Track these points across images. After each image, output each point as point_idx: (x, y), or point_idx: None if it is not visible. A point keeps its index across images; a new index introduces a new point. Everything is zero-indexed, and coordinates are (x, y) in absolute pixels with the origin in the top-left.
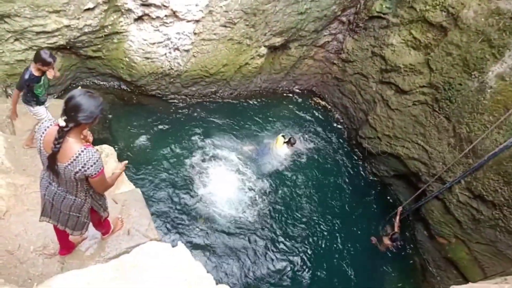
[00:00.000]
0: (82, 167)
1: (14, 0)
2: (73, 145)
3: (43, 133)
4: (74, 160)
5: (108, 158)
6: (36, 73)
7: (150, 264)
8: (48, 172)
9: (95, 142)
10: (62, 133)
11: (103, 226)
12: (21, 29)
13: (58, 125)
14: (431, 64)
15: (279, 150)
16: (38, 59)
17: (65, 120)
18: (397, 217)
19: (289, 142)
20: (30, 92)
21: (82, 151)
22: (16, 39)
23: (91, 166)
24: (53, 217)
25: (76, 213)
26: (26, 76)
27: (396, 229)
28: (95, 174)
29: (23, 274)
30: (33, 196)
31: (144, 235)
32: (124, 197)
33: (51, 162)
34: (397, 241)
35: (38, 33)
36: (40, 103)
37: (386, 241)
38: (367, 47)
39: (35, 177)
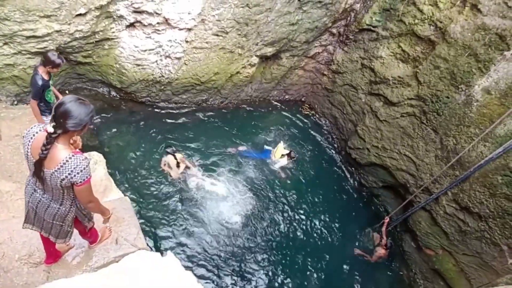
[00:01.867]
0: (69, 174)
1: (4, 4)
2: (61, 152)
3: (31, 138)
4: (61, 166)
5: (97, 165)
6: (46, 77)
7: (139, 274)
8: (34, 178)
9: (84, 149)
10: (50, 139)
11: (89, 235)
12: (11, 33)
13: (47, 131)
14: (419, 77)
15: (278, 160)
16: (48, 62)
17: (53, 127)
18: (384, 227)
19: (289, 155)
20: (43, 100)
21: (70, 158)
22: (5, 43)
23: (78, 173)
24: (37, 224)
25: (60, 222)
26: (40, 82)
27: (384, 238)
28: (80, 182)
29: (7, 283)
30: (19, 203)
31: (132, 244)
32: (112, 205)
33: (38, 168)
34: (392, 247)
35: (28, 37)
36: (52, 111)
37: (380, 250)
38: (356, 59)
39: (21, 184)
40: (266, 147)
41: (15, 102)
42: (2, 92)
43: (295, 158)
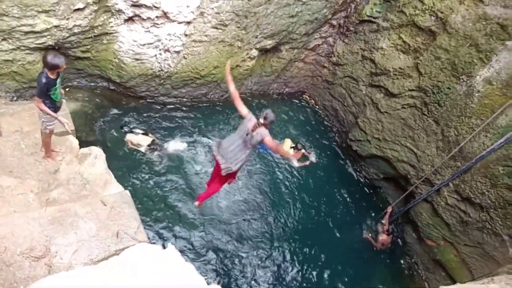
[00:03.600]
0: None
1: None
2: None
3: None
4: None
5: (96, 160)
6: (52, 76)
7: (140, 266)
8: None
9: (83, 144)
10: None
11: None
12: (9, 28)
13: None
14: (420, 68)
15: None
16: (51, 66)
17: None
18: (387, 216)
19: (296, 148)
20: (48, 98)
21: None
22: (4, 39)
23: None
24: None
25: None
26: (44, 80)
27: (386, 225)
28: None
29: (10, 277)
30: (20, 198)
31: (132, 237)
32: (112, 199)
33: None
34: (393, 233)
35: (26, 33)
36: (57, 109)
37: (383, 237)
38: (357, 50)
39: (22, 179)
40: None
41: (15, 98)
42: (1, 88)
43: (300, 150)
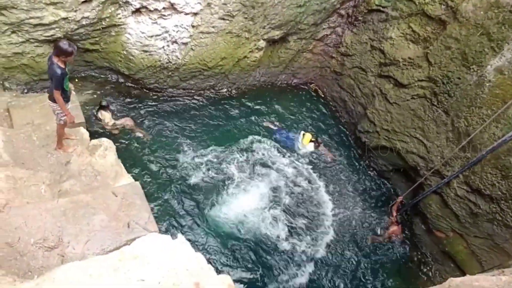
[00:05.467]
0: None
1: None
2: None
3: None
4: None
5: (107, 152)
6: (62, 66)
7: (151, 256)
8: None
9: (94, 136)
10: None
11: None
12: (18, 21)
13: None
14: (429, 57)
15: (304, 146)
16: (60, 52)
17: None
18: (395, 205)
19: (316, 141)
20: (62, 89)
21: None
22: (13, 32)
23: None
24: None
25: None
26: (59, 71)
27: (394, 214)
28: None
29: (24, 267)
30: (32, 189)
31: (144, 228)
32: (123, 190)
33: None
34: (402, 222)
35: (35, 25)
36: (69, 99)
37: (393, 228)
38: (366, 40)
39: (34, 170)
40: (292, 134)
41: (25, 91)
42: (12, 81)
43: (321, 144)
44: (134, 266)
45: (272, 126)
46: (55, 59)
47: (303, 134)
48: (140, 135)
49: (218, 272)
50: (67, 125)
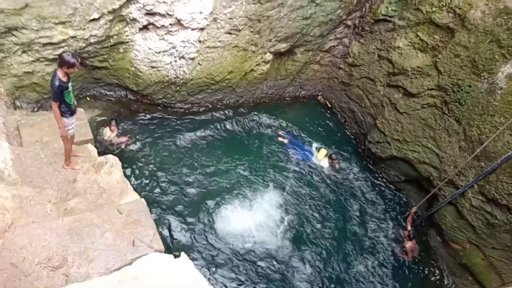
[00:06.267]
0: None
1: (21, 13)
2: None
3: None
4: None
5: (112, 168)
6: (64, 79)
7: (151, 276)
8: None
9: (101, 153)
10: None
11: None
12: (28, 41)
13: None
14: (439, 66)
15: (319, 161)
16: (62, 62)
17: None
18: (410, 217)
19: (331, 157)
20: (63, 102)
21: None
22: (24, 51)
23: None
24: None
25: None
26: (57, 83)
27: (408, 227)
28: None
29: (28, 287)
30: (38, 208)
31: (148, 246)
32: (128, 207)
33: None
34: (415, 237)
35: (44, 44)
36: (73, 113)
37: (408, 244)
38: (373, 50)
39: (40, 189)
40: (307, 147)
41: (36, 109)
42: (22, 100)
43: (336, 160)
44: (133, 287)
45: (285, 141)
46: (58, 72)
47: (318, 149)
48: (132, 146)
49: None
50: (73, 140)
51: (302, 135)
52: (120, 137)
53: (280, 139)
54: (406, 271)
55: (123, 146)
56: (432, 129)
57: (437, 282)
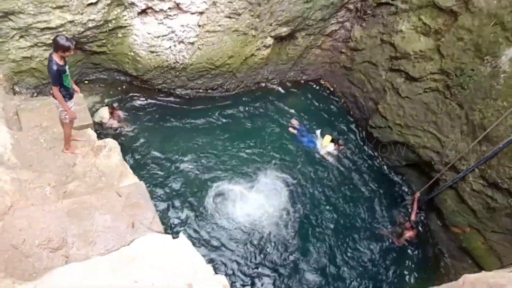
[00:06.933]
0: None
1: None
2: None
3: None
4: None
5: (111, 152)
6: (61, 62)
7: (149, 257)
8: None
9: (100, 137)
10: None
11: None
12: (26, 26)
13: None
14: (441, 50)
15: (324, 147)
16: (57, 46)
17: None
18: (415, 204)
19: (337, 143)
20: (62, 86)
21: None
22: (21, 36)
23: None
24: None
25: None
26: (55, 67)
27: (412, 217)
28: None
29: (29, 268)
30: (37, 191)
31: (148, 228)
32: (128, 190)
33: None
34: (418, 227)
35: (42, 29)
36: (71, 96)
37: (409, 233)
38: (375, 34)
39: (40, 172)
40: (314, 134)
41: (35, 94)
42: (21, 85)
43: (342, 145)
44: (131, 267)
45: (294, 131)
46: (53, 56)
47: (323, 135)
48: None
49: (216, 272)
50: (73, 125)
51: (305, 120)
52: (114, 121)
53: (290, 129)
54: (406, 254)
55: (117, 129)
56: (434, 113)
57: (437, 265)
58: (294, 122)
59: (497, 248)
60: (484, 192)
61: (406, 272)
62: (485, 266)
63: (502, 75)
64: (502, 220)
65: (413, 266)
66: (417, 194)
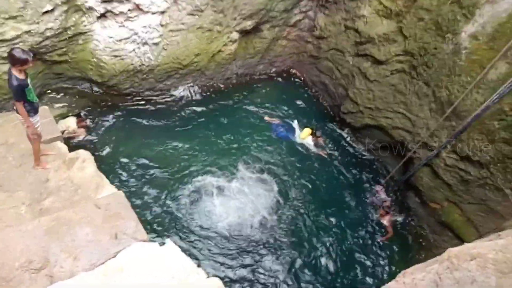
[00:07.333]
0: None
1: None
2: None
3: None
4: None
5: (85, 163)
6: (21, 76)
7: (136, 267)
8: None
9: (72, 148)
10: None
11: None
12: None
13: None
14: (404, 31)
15: (303, 140)
16: (14, 60)
17: None
18: (385, 215)
19: (315, 135)
20: (25, 101)
21: None
22: None
23: None
24: None
25: None
26: (15, 82)
27: (385, 222)
28: None
29: None
30: (11, 211)
31: (132, 237)
32: (106, 201)
33: None
34: (390, 209)
35: None
36: (36, 111)
37: (386, 220)
38: (339, 21)
39: (11, 192)
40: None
41: None
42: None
43: (320, 137)
44: (119, 280)
45: (272, 121)
46: (12, 70)
47: (302, 128)
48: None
49: (208, 275)
50: (41, 139)
51: (279, 112)
52: (81, 129)
53: (266, 118)
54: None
55: (81, 137)
56: (402, 94)
57: (419, 241)
58: (268, 119)
59: (474, 219)
60: (457, 166)
61: (388, 251)
62: (464, 237)
63: (463, 51)
64: (475, 191)
65: (394, 244)
66: (386, 203)
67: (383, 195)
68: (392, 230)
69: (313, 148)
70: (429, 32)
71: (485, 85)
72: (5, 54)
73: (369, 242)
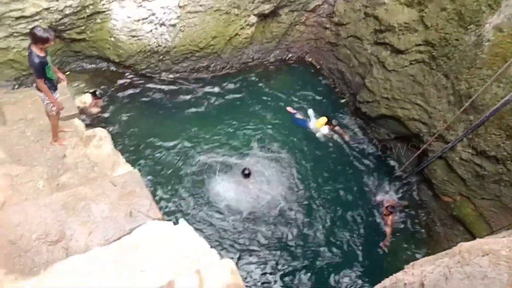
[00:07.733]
0: None
1: None
2: None
3: None
4: None
5: (102, 141)
6: (42, 54)
7: (150, 245)
8: None
9: (88, 126)
10: None
11: None
12: None
13: None
14: (425, 20)
15: (319, 130)
16: (35, 39)
17: None
18: (388, 215)
19: (331, 123)
20: (45, 78)
21: None
22: None
23: None
24: None
25: None
26: (36, 60)
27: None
28: None
29: (29, 263)
30: (30, 185)
31: (146, 215)
32: (122, 179)
33: None
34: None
35: (17, 18)
36: (56, 88)
37: (388, 220)
38: (359, 8)
39: (30, 166)
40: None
41: (16, 86)
42: (1, 78)
43: (336, 126)
44: (133, 257)
45: (292, 111)
46: (33, 48)
47: (318, 117)
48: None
49: (221, 256)
50: (59, 116)
51: (295, 98)
52: (95, 107)
53: (289, 108)
54: (399, 225)
55: (98, 116)
56: (420, 85)
57: (430, 233)
58: (290, 109)
59: (487, 214)
60: (472, 160)
61: (398, 242)
62: (476, 232)
63: (486, 44)
64: (490, 187)
65: (406, 236)
66: (389, 202)
67: (387, 196)
68: (391, 233)
69: (323, 139)
70: (451, 23)
71: (506, 79)
72: (25, 31)
73: (378, 232)
